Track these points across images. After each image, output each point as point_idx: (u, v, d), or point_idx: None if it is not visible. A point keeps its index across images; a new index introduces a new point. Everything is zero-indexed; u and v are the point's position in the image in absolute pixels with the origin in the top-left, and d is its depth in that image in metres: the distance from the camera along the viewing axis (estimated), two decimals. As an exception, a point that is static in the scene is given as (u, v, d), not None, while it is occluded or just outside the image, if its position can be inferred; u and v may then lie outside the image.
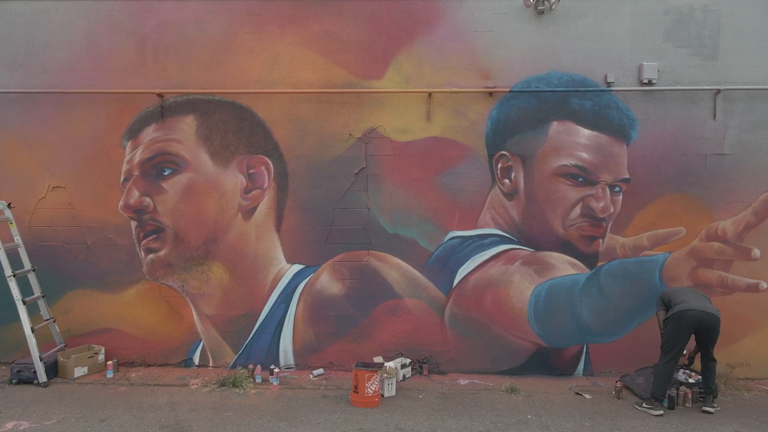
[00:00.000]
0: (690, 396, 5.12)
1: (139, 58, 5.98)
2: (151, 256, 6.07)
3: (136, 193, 6.03)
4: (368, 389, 5.06)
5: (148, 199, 6.03)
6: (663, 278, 5.88)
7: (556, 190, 5.89)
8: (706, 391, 5.12)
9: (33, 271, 5.82)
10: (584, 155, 5.86)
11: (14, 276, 5.54)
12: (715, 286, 5.86)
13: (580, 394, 5.41)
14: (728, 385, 5.62)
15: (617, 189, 5.87)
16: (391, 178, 5.96)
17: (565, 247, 5.91)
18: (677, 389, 5.17)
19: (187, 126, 6.00)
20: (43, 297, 5.86)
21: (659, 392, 4.99)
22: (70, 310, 6.11)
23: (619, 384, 5.39)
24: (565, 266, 5.93)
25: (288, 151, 5.99)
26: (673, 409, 5.05)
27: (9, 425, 4.56)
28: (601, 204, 5.87)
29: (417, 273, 5.98)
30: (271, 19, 5.95)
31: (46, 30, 6.00)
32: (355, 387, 5.10)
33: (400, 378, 5.70)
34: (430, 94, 5.87)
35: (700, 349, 5.14)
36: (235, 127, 5.98)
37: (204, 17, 5.95)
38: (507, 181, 5.93)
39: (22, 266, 5.76)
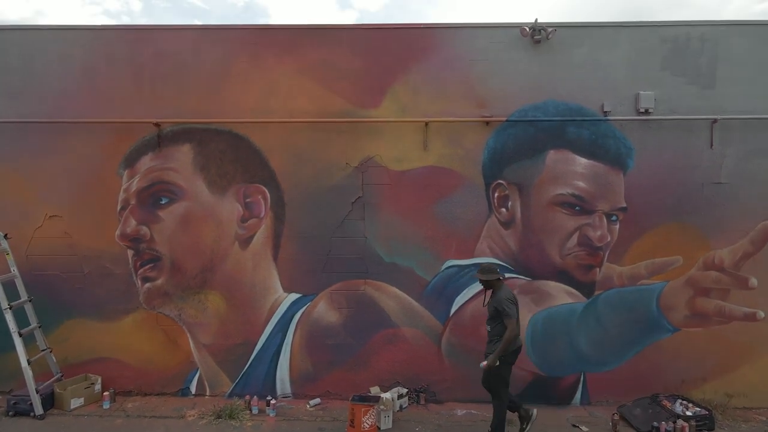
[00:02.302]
0: (687, 430, 5.10)
1: (135, 87, 5.98)
2: (147, 284, 6.06)
3: (132, 222, 6.03)
4: (364, 423, 5.05)
5: (144, 228, 6.03)
6: (660, 307, 5.87)
7: (553, 219, 5.88)
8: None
9: (30, 301, 5.82)
10: (581, 184, 5.85)
11: (10, 308, 5.53)
12: (712, 315, 5.85)
13: (577, 427, 5.40)
14: (726, 416, 5.61)
15: (614, 218, 5.87)
16: (388, 207, 5.96)
17: (562, 276, 5.90)
18: (674, 422, 5.16)
19: (183, 155, 6.00)
20: (39, 327, 5.86)
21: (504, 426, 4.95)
22: (66, 339, 6.11)
23: (616, 416, 5.38)
24: (562, 295, 5.92)
25: (285, 179, 5.99)
26: (670, 443, 5.04)
27: (4, 463, 4.56)
28: (598, 233, 5.87)
29: (414, 302, 5.98)
30: (268, 47, 5.95)
31: (43, 59, 6.00)
32: (351, 421, 5.09)
33: (397, 408, 5.69)
34: (426, 123, 5.87)
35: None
36: (231, 155, 5.98)
37: (200, 46, 5.95)
38: (504, 209, 5.93)
39: (18, 296, 5.76)
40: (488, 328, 4.99)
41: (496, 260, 5.92)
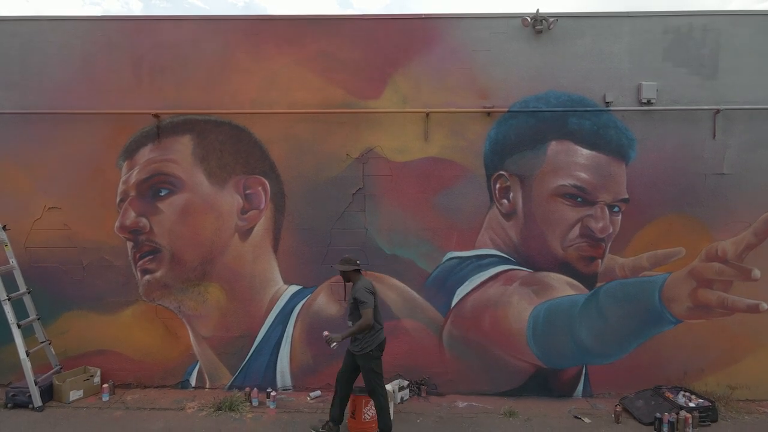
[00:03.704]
0: (690, 421, 5.07)
1: (135, 78, 5.95)
2: (147, 277, 6.03)
3: (132, 214, 6.00)
4: (365, 415, 5.01)
5: (144, 220, 5.99)
6: (662, 299, 5.84)
7: (555, 211, 5.85)
8: (338, 421, 4.90)
9: (28, 293, 5.78)
10: (583, 175, 5.82)
11: (9, 299, 5.50)
12: (715, 307, 5.82)
13: (579, 418, 5.36)
14: (729, 408, 5.57)
15: (616, 209, 5.83)
16: (389, 199, 5.93)
17: (564, 267, 5.87)
18: (677, 414, 5.12)
19: (183, 146, 5.96)
20: (38, 319, 5.82)
21: (389, 423, 4.78)
22: (65, 331, 6.07)
23: (618, 408, 5.34)
24: (563, 287, 5.89)
25: (285, 171, 5.96)
26: (673, 434, 5.00)
27: (3, 454, 4.53)
28: (600, 224, 5.83)
29: (415, 294, 5.94)
30: (268, 39, 5.92)
31: (42, 50, 5.96)
32: (353, 412, 5.05)
33: (398, 400, 5.66)
34: (427, 114, 5.84)
35: (355, 376, 4.88)
36: (231, 147, 5.95)
37: (200, 37, 5.92)
38: (505, 201, 5.90)
39: (17, 288, 5.72)
40: (350, 323, 4.80)
41: (498, 251, 5.89)
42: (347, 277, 4.88)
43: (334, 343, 4.63)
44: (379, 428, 4.79)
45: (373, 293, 4.76)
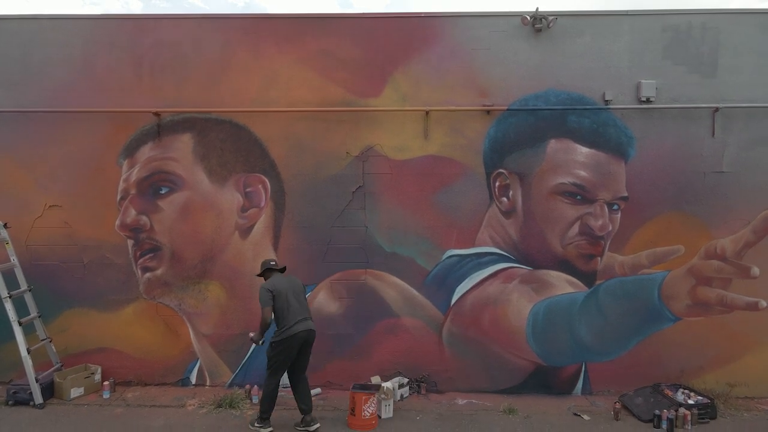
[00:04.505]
0: (689, 418, 5.09)
1: (135, 77, 5.97)
2: (147, 275, 6.05)
3: (132, 212, 6.02)
4: (365, 412, 5.03)
5: (144, 218, 6.01)
6: (662, 296, 5.85)
7: (554, 209, 5.86)
8: (305, 411, 4.98)
9: (29, 291, 5.80)
10: (582, 173, 5.83)
11: (10, 297, 5.52)
12: (714, 305, 5.83)
13: (579, 415, 5.37)
14: (727, 405, 5.58)
15: (615, 207, 5.85)
16: (389, 197, 5.94)
17: (564, 265, 5.88)
18: (676, 411, 5.14)
19: (183, 144, 5.98)
20: (39, 317, 5.84)
21: (268, 411, 4.95)
22: (66, 329, 6.09)
23: (617, 405, 5.36)
24: (563, 285, 5.90)
25: (285, 169, 5.97)
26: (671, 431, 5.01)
27: (4, 451, 4.55)
28: (600, 222, 5.85)
29: (415, 292, 5.96)
30: (268, 37, 5.93)
31: (43, 49, 5.98)
32: (352, 410, 5.07)
33: (398, 398, 5.67)
34: (427, 112, 5.85)
35: (296, 367, 5.01)
36: (232, 145, 5.96)
37: (200, 36, 5.93)
38: (505, 199, 5.91)
39: (18, 286, 5.74)
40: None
41: (497, 249, 5.91)
42: (265, 277, 5.09)
43: (261, 340, 4.93)
44: (260, 416, 4.97)
45: (272, 291, 4.84)
